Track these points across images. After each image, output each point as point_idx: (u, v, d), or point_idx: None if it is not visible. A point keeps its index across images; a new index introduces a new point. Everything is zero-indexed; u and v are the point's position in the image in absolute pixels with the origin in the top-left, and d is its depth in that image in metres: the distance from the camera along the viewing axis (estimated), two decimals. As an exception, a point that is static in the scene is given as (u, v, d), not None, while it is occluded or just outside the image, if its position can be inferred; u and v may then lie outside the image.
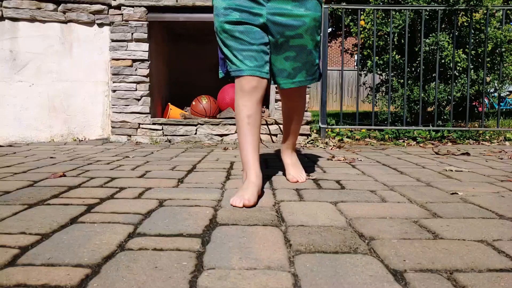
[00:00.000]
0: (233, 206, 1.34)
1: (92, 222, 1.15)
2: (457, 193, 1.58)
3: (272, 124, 3.76)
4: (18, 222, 1.15)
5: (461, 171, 2.15)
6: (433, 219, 1.22)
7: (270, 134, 3.78)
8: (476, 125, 5.72)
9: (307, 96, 3.78)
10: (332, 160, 2.55)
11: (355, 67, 17.23)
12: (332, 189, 1.64)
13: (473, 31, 4.38)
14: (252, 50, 1.49)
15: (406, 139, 3.90)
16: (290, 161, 1.82)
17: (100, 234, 1.04)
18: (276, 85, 1.61)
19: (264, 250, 0.94)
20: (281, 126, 3.76)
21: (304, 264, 0.87)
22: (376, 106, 4.81)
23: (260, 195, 1.47)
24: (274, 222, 1.17)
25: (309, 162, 2.44)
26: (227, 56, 1.53)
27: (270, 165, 2.30)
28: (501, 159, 2.69)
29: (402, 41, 4.58)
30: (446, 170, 2.18)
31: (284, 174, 1.90)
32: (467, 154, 2.92)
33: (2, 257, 0.89)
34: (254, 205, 1.34)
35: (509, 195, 1.57)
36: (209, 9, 3.63)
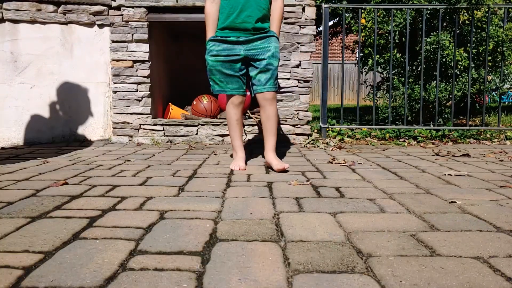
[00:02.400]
0: (232, 170, 2.29)
1: (94, 238, 1.17)
2: (456, 202, 1.60)
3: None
4: (21, 238, 1.17)
5: (460, 175, 2.16)
6: (430, 232, 1.23)
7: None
8: (477, 121, 5.71)
9: (307, 96, 3.78)
10: (332, 163, 2.56)
11: (356, 63, 17.13)
12: (331, 198, 1.66)
13: (474, 30, 4.36)
14: (234, 76, 2.35)
15: (407, 138, 3.91)
16: (274, 159, 2.33)
17: (102, 252, 1.06)
18: (256, 95, 2.35)
19: (263, 270, 0.96)
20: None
21: (301, 286, 0.88)
22: (377, 104, 4.80)
23: (246, 160, 2.49)
24: (274, 237, 1.19)
25: (309, 166, 2.45)
26: (214, 80, 2.38)
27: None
28: (501, 160, 2.70)
29: (403, 39, 4.56)
30: (446, 174, 2.19)
31: (265, 164, 2.53)
32: (467, 155, 2.93)
33: (6, 280, 0.91)
34: (245, 169, 2.31)
35: (507, 203, 1.58)
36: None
